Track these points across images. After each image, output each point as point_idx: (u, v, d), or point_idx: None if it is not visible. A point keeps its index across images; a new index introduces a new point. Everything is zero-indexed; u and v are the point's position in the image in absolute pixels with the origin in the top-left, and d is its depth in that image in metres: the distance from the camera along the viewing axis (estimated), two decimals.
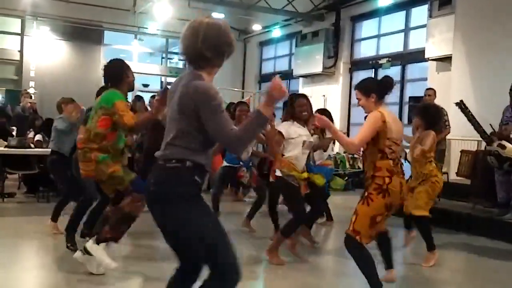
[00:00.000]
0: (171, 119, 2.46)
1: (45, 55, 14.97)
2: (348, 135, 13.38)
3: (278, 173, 4.85)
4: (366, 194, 3.60)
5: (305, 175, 4.93)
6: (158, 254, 5.03)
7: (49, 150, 7.63)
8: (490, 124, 6.32)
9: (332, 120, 7.06)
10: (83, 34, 15.26)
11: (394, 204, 3.60)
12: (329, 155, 6.51)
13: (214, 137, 2.39)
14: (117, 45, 16.93)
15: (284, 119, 5.16)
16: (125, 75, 4.40)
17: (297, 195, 4.84)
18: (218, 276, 2.40)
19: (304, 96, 5.26)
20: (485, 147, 6.55)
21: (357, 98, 3.80)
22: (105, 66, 4.51)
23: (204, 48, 2.43)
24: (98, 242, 4.16)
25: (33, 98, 11.38)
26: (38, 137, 8.27)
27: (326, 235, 6.80)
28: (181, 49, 2.52)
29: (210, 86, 2.38)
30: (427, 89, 7.99)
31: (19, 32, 15.10)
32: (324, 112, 7.23)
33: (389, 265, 4.19)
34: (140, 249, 5.23)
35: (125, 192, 4.31)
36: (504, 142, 6.17)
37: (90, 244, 4.18)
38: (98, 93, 4.88)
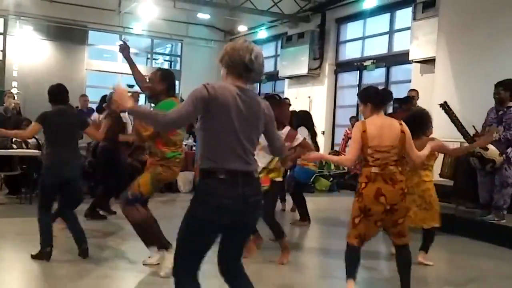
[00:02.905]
0: (246, 131, 2.62)
1: (29, 55, 14.81)
2: (333, 136, 13.49)
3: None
4: None
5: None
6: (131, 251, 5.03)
7: (32, 151, 7.58)
8: (473, 126, 6.38)
9: (312, 121, 7.10)
10: (67, 34, 15.13)
11: (372, 209, 3.75)
12: None
13: (277, 144, 2.90)
14: (101, 45, 16.83)
15: None
16: None
17: None
18: None
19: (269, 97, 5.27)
20: None
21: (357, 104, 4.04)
22: (170, 74, 4.54)
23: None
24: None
25: (15, 98, 11.23)
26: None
27: (305, 235, 6.79)
28: (263, 70, 2.74)
29: None
30: (410, 90, 8.06)
31: (2, 31, 14.91)
32: (304, 113, 7.28)
33: None
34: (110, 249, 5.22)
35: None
36: None
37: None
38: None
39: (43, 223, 4.69)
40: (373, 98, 3.91)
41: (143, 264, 4.55)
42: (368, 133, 3.76)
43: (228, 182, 2.53)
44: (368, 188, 3.76)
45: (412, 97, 7.85)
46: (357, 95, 4.13)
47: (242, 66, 2.63)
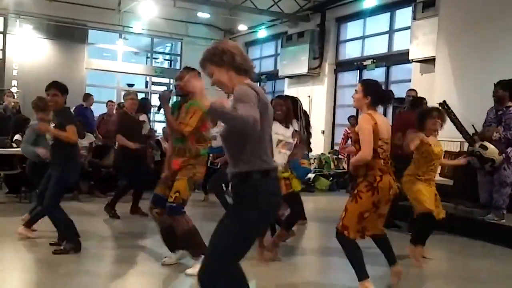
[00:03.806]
0: (270, 130, 2.65)
1: (28, 53, 14.80)
2: (333, 136, 13.49)
3: None
4: (356, 192, 3.81)
5: (286, 174, 4.86)
6: (138, 253, 5.03)
7: None
8: (473, 125, 6.39)
9: (308, 120, 7.12)
10: (67, 33, 15.11)
11: (381, 201, 3.78)
12: (306, 154, 6.54)
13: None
14: (101, 44, 16.82)
15: None
16: None
17: None
18: None
19: (280, 97, 5.34)
20: (468, 148, 6.62)
21: (355, 90, 3.99)
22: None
23: None
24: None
25: (15, 97, 11.23)
26: (17, 136, 8.18)
27: (305, 235, 6.79)
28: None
29: None
30: (409, 90, 8.04)
31: (2, 30, 14.89)
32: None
33: (391, 261, 4.17)
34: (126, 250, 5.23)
35: None
36: (486, 143, 6.24)
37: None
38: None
39: (65, 218, 4.83)
40: (375, 96, 3.92)
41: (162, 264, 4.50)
42: (379, 125, 3.81)
43: (273, 180, 2.57)
44: (383, 180, 3.77)
45: (420, 98, 7.78)
46: (361, 82, 4.10)
47: (249, 62, 2.64)
